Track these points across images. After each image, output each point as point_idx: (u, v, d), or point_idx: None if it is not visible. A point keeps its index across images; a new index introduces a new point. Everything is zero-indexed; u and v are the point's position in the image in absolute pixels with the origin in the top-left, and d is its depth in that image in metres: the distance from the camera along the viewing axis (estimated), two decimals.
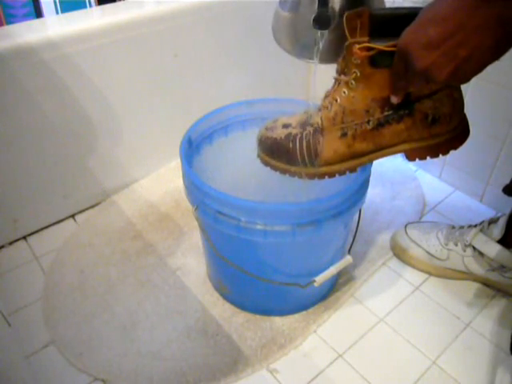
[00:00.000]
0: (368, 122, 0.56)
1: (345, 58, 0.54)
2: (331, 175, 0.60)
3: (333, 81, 0.58)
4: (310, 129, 0.59)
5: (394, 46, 0.48)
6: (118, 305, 0.78)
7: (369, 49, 0.51)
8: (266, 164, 0.63)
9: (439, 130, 0.57)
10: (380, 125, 0.56)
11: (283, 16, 0.66)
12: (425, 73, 0.45)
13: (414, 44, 0.45)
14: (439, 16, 0.43)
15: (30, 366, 0.70)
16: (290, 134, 0.60)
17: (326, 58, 0.65)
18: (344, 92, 0.56)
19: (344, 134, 0.57)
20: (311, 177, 0.61)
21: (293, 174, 0.61)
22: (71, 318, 0.76)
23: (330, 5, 0.60)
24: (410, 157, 0.60)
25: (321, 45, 0.62)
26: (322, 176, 0.60)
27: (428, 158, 0.59)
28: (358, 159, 0.59)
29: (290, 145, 0.60)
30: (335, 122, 0.57)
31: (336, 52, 0.65)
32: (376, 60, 0.52)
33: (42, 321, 0.76)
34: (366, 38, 0.51)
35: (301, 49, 0.66)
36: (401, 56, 0.47)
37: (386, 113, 0.56)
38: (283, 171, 0.62)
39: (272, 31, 0.69)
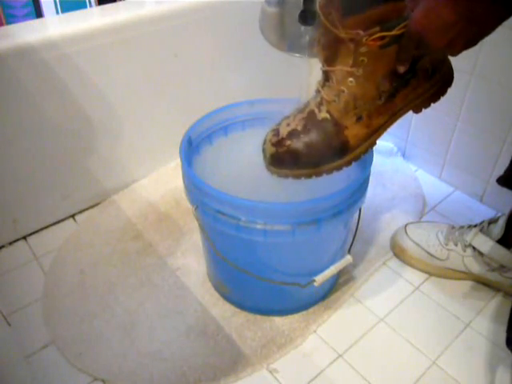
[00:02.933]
0: (380, 97, 0.57)
1: (335, 49, 0.54)
2: (357, 159, 0.61)
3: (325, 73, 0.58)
4: (321, 128, 0.59)
5: (404, 27, 0.49)
6: (118, 305, 0.78)
7: (381, 37, 0.51)
8: (288, 176, 0.62)
9: (437, 77, 0.59)
10: (391, 96, 0.57)
11: (269, 12, 0.67)
12: (440, 50, 0.48)
13: (429, 28, 0.46)
14: None
15: (30, 366, 0.70)
16: (305, 141, 0.60)
17: (315, 53, 0.65)
18: (350, 81, 0.56)
19: (359, 118, 0.58)
20: (339, 169, 0.61)
21: (320, 174, 0.61)
22: (71, 318, 0.76)
23: (315, 1, 0.60)
24: (417, 110, 0.61)
25: (305, 40, 0.63)
26: (349, 164, 0.61)
27: (431, 104, 0.60)
28: (376, 134, 0.60)
29: (311, 151, 0.60)
30: (347, 110, 0.58)
31: None
32: (384, 43, 0.52)
33: (42, 321, 0.76)
34: (377, 28, 0.51)
35: (288, 43, 0.67)
36: (413, 38, 0.48)
37: (394, 84, 0.56)
38: (309, 175, 0.61)
39: (259, 27, 0.69)
